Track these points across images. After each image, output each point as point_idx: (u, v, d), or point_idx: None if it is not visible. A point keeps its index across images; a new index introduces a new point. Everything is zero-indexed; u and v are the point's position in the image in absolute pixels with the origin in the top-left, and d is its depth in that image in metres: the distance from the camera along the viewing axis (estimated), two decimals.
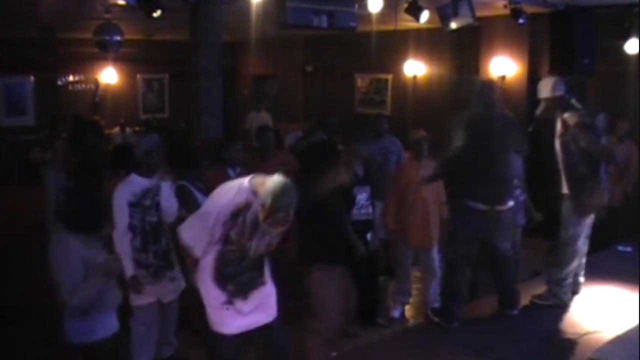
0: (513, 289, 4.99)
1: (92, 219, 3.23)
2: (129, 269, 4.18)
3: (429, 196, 5.51)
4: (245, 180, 3.33)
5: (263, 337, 3.58)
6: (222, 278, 3.39)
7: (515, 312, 4.95)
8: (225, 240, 3.34)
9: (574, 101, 4.87)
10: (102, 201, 3.33)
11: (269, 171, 3.46)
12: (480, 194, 4.57)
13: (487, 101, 4.67)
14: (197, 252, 3.40)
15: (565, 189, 4.95)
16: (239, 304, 3.43)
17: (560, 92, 4.85)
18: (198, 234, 3.38)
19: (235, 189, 3.31)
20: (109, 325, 3.34)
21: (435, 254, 5.67)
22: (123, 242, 4.18)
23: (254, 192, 3.24)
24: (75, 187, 3.55)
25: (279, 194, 3.14)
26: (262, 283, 3.53)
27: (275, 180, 3.20)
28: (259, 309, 3.52)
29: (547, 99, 4.93)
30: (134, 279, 4.21)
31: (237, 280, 3.41)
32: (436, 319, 4.89)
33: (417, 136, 5.58)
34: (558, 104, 4.86)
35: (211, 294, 3.43)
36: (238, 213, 3.27)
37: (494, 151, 4.59)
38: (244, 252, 3.33)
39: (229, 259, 3.37)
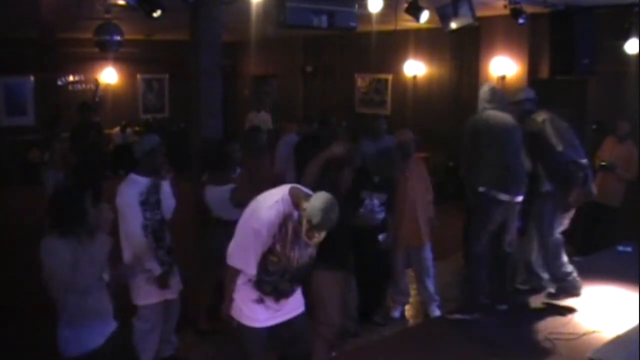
0: (506, 284, 5.03)
1: (68, 217, 3.16)
2: (157, 267, 4.25)
3: (417, 195, 5.53)
4: (285, 191, 3.37)
5: (288, 330, 3.64)
6: (262, 283, 3.45)
7: (505, 307, 4.99)
8: (269, 251, 3.38)
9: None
10: (82, 200, 3.23)
11: (266, 171, 3.48)
12: (505, 184, 4.70)
13: (502, 103, 4.91)
14: (251, 270, 3.42)
15: (546, 187, 5.08)
16: (270, 302, 3.51)
17: (523, 97, 5.27)
18: (246, 254, 3.40)
19: (279, 200, 3.34)
20: (102, 333, 3.31)
21: (428, 253, 5.68)
22: (142, 242, 4.20)
23: (295, 204, 3.29)
24: (63, 189, 3.52)
25: (328, 211, 3.17)
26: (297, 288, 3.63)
27: (323, 197, 3.22)
28: (289, 306, 3.60)
29: (512, 104, 5.20)
30: (162, 276, 4.27)
31: (276, 289, 3.48)
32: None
33: (404, 137, 5.60)
34: (522, 108, 5.19)
35: (245, 292, 3.49)
36: (282, 224, 3.31)
37: (515, 144, 4.78)
38: (287, 263, 3.39)
39: (272, 271, 3.42)
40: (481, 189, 4.70)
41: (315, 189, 3.46)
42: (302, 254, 3.41)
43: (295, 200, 3.30)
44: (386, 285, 5.79)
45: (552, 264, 5.20)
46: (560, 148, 4.94)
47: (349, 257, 4.51)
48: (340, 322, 4.43)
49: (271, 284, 3.45)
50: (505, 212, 4.78)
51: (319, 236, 3.26)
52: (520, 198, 4.77)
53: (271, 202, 3.35)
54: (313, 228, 3.18)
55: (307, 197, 3.29)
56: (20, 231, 8.35)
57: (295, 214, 3.30)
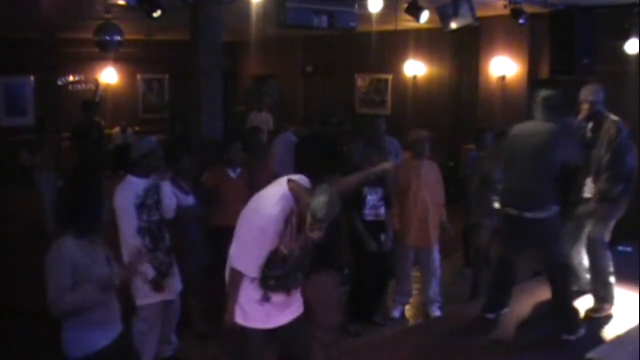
0: (567, 307, 4.62)
1: (86, 217, 3.11)
2: (150, 270, 4.22)
3: (428, 197, 5.52)
4: (284, 186, 3.33)
5: (288, 331, 3.60)
6: (268, 279, 3.38)
7: (573, 337, 4.53)
8: (273, 252, 3.33)
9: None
10: (98, 199, 3.21)
11: (267, 170, 3.47)
12: (510, 198, 4.64)
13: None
14: (253, 273, 3.36)
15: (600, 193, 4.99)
16: (275, 301, 3.45)
17: (601, 97, 5.03)
18: (251, 254, 3.35)
19: (282, 196, 3.30)
20: (109, 334, 3.26)
21: (436, 254, 5.67)
22: (136, 245, 4.14)
23: (296, 199, 3.26)
24: (69, 185, 3.48)
25: (333, 205, 3.16)
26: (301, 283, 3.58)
27: (327, 190, 3.20)
28: (291, 305, 3.56)
29: (592, 102, 5.01)
30: (156, 279, 4.26)
31: (284, 281, 3.41)
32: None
33: (418, 135, 5.58)
34: (601, 108, 5.01)
35: (248, 293, 3.42)
36: (287, 220, 3.28)
37: (522, 156, 4.59)
38: (288, 256, 3.35)
39: (274, 266, 3.36)
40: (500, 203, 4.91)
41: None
42: (299, 245, 3.37)
43: (296, 195, 3.27)
44: (386, 285, 5.79)
45: (597, 270, 5.07)
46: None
47: (340, 256, 4.55)
48: (338, 323, 4.45)
49: (276, 279, 3.38)
50: (518, 227, 4.64)
51: (322, 228, 3.23)
52: (534, 214, 4.51)
53: (275, 199, 3.31)
54: (317, 221, 3.16)
55: (307, 191, 3.26)
56: (20, 233, 8.35)
57: (296, 208, 3.27)
